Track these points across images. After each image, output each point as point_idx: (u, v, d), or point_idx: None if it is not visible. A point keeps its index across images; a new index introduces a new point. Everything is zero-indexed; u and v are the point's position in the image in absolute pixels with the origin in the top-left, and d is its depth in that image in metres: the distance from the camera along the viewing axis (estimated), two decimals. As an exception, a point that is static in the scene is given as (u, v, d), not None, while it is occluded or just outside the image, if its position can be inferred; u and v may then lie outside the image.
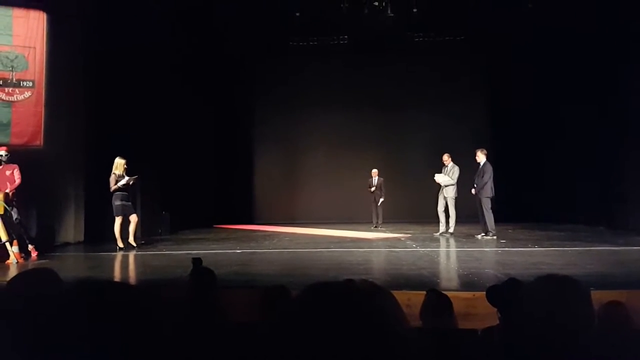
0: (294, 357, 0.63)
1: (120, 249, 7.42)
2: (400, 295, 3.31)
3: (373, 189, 10.81)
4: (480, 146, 8.73)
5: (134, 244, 7.63)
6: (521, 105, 12.12)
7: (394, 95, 13.17)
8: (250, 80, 13.66)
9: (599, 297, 2.49)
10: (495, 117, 13.15)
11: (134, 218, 7.66)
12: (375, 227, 10.58)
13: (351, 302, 0.66)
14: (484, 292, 2.55)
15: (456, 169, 8.91)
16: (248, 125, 13.99)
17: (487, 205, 8.18)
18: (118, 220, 7.53)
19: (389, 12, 10.62)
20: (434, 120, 13.09)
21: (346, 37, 12.52)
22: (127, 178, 7.52)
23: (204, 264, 3.11)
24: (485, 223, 8.19)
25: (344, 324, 0.63)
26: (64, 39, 8.14)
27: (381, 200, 10.76)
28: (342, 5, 10.60)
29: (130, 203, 7.72)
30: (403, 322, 0.68)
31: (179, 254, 6.94)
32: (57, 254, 7.25)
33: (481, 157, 8.40)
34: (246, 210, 13.45)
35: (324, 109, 13.34)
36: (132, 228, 7.64)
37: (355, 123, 13.33)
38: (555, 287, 1.10)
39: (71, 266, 6.31)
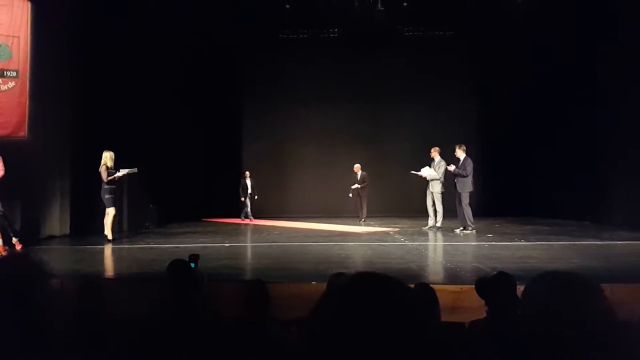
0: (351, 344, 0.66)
1: (110, 240, 7.35)
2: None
3: (355, 186, 10.77)
4: (459, 142, 8.73)
5: (110, 237, 7.51)
6: (510, 100, 12.22)
7: (384, 89, 13.17)
8: (240, 73, 13.54)
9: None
10: (484, 112, 13.23)
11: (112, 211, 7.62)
12: (364, 221, 10.59)
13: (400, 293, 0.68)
14: (472, 286, 2.58)
15: (442, 164, 8.93)
16: (237, 118, 13.89)
17: (465, 200, 8.25)
18: (112, 212, 7.48)
19: (379, 5, 10.58)
20: (423, 114, 13.13)
21: (336, 30, 12.47)
22: (126, 170, 7.47)
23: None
24: (464, 217, 8.25)
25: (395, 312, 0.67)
26: (50, 30, 7.95)
27: (362, 190, 10.69)
28: (332, -2, 10.53)
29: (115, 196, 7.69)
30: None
31: (166, 247, 6.88)
32: (42, 247, 7.14)
33: (460, 153, 8.45)
34: (235, 204, 13.37)
35: (314, 103, 13.30)
36: (109, 220, 7.57)
37: (345, 116, 13.32)
38: (562, 285, 1.07)
39: (57, 259, 6.22)
